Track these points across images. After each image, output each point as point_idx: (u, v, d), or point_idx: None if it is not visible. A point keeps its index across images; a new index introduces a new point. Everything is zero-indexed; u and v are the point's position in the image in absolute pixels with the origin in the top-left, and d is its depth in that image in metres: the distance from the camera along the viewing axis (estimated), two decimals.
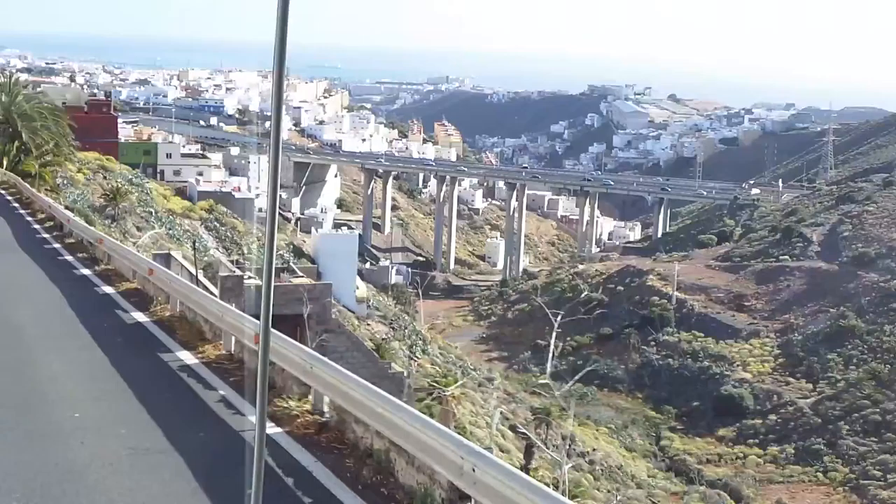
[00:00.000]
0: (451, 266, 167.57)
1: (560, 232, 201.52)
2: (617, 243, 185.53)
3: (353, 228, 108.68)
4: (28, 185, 46.74)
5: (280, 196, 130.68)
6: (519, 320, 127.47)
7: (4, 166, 55.46)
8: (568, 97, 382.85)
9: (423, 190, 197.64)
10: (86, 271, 26.22)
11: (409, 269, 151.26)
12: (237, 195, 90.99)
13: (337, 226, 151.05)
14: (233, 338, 16.37)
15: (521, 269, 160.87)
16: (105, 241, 27.09)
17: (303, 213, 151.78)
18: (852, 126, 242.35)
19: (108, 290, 23.44)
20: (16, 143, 56.40)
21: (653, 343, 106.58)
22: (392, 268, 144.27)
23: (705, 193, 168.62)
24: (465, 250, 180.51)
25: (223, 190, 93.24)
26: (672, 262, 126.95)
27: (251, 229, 71.96)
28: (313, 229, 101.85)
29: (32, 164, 54.77)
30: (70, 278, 25.28)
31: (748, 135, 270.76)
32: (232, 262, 49.57)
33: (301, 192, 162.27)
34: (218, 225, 71.97)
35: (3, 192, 49.07)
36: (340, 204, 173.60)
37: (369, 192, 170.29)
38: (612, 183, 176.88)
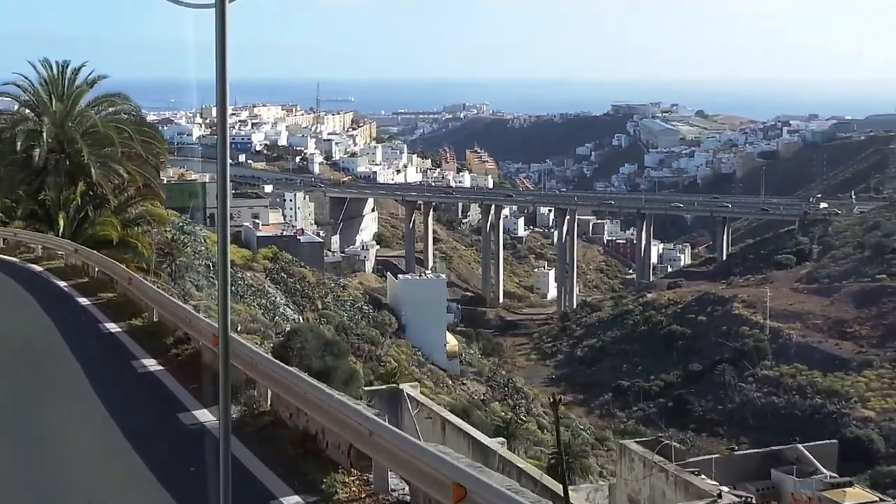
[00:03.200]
0: (501, 300, 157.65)
1: (607, 258, 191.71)
2: (669, 268, 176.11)
3: (434, 271, 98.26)
4: (132, 273, 25.46)
5: (318, 234, 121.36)
6: (590, 358, 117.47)
7: (62, 229, 36.80)
8: (591, 118, 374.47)
9: (464, 220, 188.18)
10: None
11: (459, 306, 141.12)
12: (303, 239, 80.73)
13: (382, 264, 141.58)
14: None
15: (575, 300, 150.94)
16: None
17: (343, 252, 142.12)
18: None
19: None
20: (79, 187, 38.61)
21: (751, 379, 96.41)
22: None
23: (770, 210, 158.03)
24: (512, 282, 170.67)
25: (285, 234, 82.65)
26: (750, 287, 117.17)
27: (323, 279, 62.08)
28: (388, 274, 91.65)
29: (111, 221, 36.70)
30: None
31: (788, 147, 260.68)
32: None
33: (339, 229, 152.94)
34: (285, 276, 62.14)
35: (76, 295, 26.75)
36: (380, 239, 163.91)
37: (411, 225, 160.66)
38: (681, 205, 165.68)
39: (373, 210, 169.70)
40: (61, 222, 37.27)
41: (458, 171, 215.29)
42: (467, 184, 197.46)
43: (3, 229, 39.18)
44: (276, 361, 14.47)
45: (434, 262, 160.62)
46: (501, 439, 13.81)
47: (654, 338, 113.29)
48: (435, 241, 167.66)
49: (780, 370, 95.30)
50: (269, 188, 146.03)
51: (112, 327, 21.89)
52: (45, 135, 39.32)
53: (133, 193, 40.22)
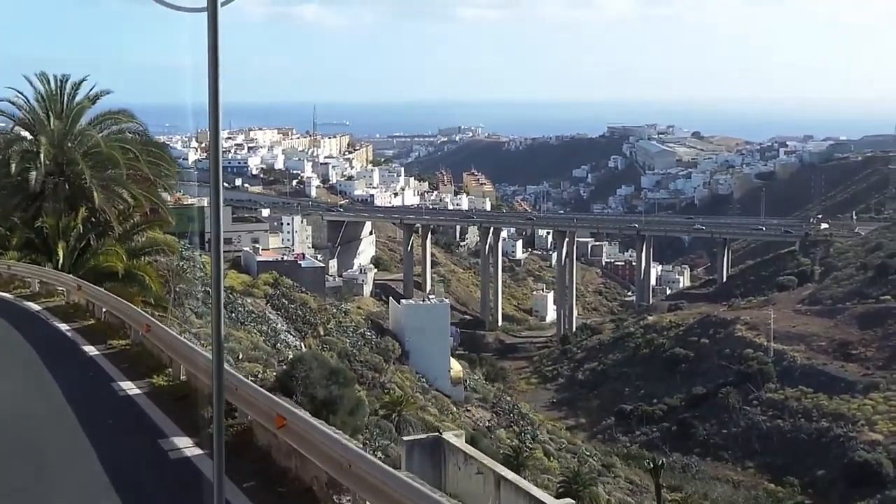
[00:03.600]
0: (500, 323, 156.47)
1: (606, 280, 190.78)
2: (668, 290, 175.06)
3: (435, 295, 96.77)
4: (150, 318, 21.34)
5: (316, 258, 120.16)
6: (591, 382, 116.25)
7: (61, 260, 33.87)
8: (587, 140, 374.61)
9: (462, 243, 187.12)
10: None
11: (458, 330, 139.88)
12: (304, 264, 79.47)
13: (381, 287, 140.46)
14: None
15: (574, 323, 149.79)
16: None
17: (341, 275, 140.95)
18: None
19: None
20: (80, 213, 35.25)
21: (755, 402, 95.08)
22: None
23: (773, 231, 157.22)
24: (511, 305, 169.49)
25: (285, 258, 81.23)
26: (752, 309, 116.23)
27: (324, 304, 60.91)
28: (391, 299, 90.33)
29: (116, 251, 33.67)
30: None
31: (786, 168, 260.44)
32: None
33: (336, 253, 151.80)
34: (286, 302, 60.96)
35: (81, 342, 22.91)
36: (378, 263, 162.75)
37: (409, 248, 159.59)
38: (704, 227, 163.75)
39: (370, 233, 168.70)
40: (60, 253, 33.90)
41: (456, 193, 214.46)
42: (465, 206, 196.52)
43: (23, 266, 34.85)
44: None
45: (432, 285, 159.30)
46: (570, 501, 12.57)
47: (656, 361, 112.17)
48: (433, 264, 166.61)
49: (785, 393, 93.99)
50: (266, 212, 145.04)
51: (129, 388, 17.71)
52: (42, 156, 36.34)
53: (139, 220, 37.05)
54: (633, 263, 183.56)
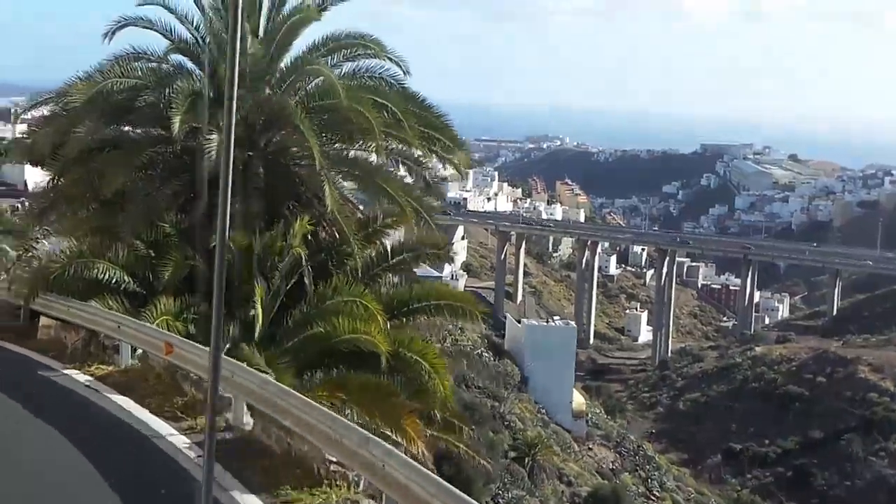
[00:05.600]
0: (591, 340, 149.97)
1: (701, 303, 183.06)
2: (766, 318, 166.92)
3: (560, 319, 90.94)
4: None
5: None
6: (694, 414, 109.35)
7: (258, 324, 18.06)
8: (679, 156, 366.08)
9: (554, 254, 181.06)
10: None
11: None
12: (419, 272, 74.48)
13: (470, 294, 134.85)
14: None
15: (669, 346, 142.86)
16: None
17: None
18: None
19: None
20: (298, 225, 19.41)
21: (882, 453, 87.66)
22: None
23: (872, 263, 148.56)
24: (603, 322, 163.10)
25: None
26: (871, 348, 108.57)
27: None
28: (508, 317, 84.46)
29: (365, 304, 18.08)
30: None
31: (891, 198, 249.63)
32: None
33: None
34: None
35: None
36: (468, 269, 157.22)
37: (502, 256, 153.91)
38: (818, 257, 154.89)
39: (462, 238, 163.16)
40: (258, 307, 17.98)
41: (549, 202, 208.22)
42: (559, 216, 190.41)
43: (131, 322, 18.58)
44: None
45: (524, 296, 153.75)
46: None
47: (767, 397, 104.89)
48: (525, 274, 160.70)
49: None
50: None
51: None
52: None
53: (409, 243, 21.97)
54: (732, 287, 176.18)
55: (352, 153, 22.67)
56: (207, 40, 21.97)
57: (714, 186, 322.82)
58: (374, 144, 21.15)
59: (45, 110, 24.19)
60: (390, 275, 21.26)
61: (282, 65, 22.67)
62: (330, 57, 22.72)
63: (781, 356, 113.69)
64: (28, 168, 55.70)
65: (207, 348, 12.70)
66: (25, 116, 32.08)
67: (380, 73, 22.80)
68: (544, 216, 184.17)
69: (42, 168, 24.34)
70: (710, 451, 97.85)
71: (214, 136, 18.72)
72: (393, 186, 21.75)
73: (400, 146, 22.56)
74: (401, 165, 23.37)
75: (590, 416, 62.06)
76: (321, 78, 21.88)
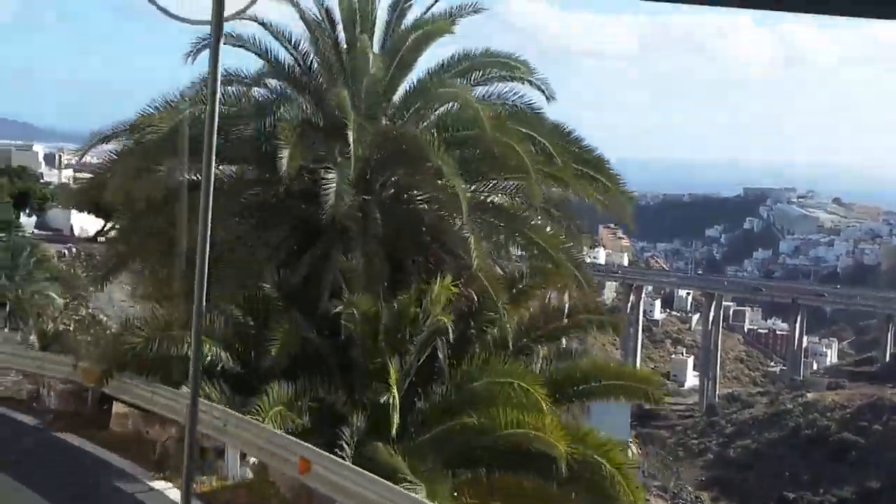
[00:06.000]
0: None
1: (748, 347, 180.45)
2: (815, 363, 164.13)
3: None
4: None
5: None
6: (745, 461, 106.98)
7: (394, 425, 14.27)
8: (720, 200, 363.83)
9: (598, 298, 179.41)
10: None
11: None
12: None
13: None
14: None
15: (716, 391, 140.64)
16: None
17: None
18: None
19: None
20: (439, 286, 16.05)
21: None
22: None
23: None
24: (648, 367, 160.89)
25: None
26: None
27: None
28: None
29: (528, 388, 15.02)
30: None
31: None
32: None
33: None
34: None
35: None
36: None
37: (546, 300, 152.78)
38: (870, 302, 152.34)
39: None
40: (393, 394, 14.52)
41: (592, 246, 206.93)
42: (601, 260, 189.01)
43: (243, 421, 15.17)
44: None
45: (567, 341, 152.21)
46: None
47: (821, 445, 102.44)
48: None
49: None
50: None
51: None
52: (350, 137, 16.71)
53: (566, 307, 19.38)
54: (778, 332, 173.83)
55: (491, 196, 19.09)
56: (311, 61, 19.31)
57: (757, 230, 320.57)
58: (519, 185, 17.86)
59: (109, 147, 21.38)
60: (540, 346, 18.08)
61: (403, 88, 19.43)
62: (461, 79, 19.40)
63: (834, 402, 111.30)
64: (74, 212, 54.89)
65: (362, 471, 10.93)
66: (83, 158, 28.93)
67: (514, 100, 19.81)
68: (587, 260, 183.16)
69: (110, 218, 21.59)
70: (763, 500, 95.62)
71: (333, 176, 15.82)
72: (542, 237, 18.61)
73: (555, 187, 19.16)
74: (535, 210, 19.69)
75: (645, 465, 60.64)
76: (454, 104, 18.42)
